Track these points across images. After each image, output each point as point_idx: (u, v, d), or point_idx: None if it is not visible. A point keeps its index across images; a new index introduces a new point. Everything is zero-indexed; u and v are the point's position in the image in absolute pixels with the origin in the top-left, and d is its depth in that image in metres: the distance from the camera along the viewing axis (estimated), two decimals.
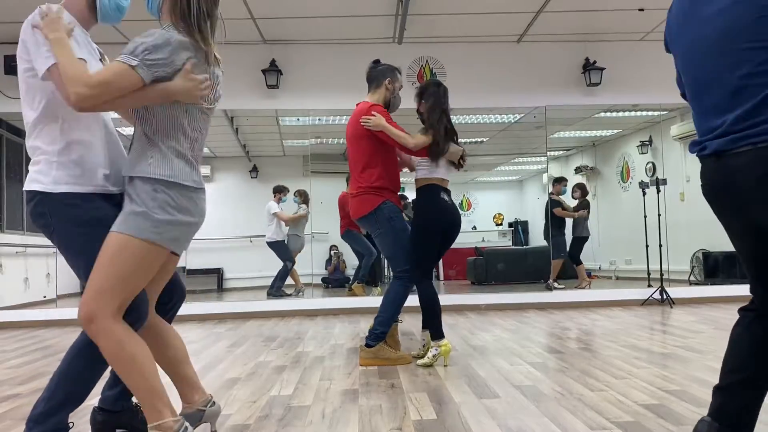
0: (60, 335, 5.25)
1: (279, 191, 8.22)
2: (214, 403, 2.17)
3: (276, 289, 7.67)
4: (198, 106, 1.94)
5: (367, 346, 3.54)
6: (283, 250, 7.87)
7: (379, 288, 7.76)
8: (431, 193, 3.60)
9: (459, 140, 3.72)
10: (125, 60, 1.77)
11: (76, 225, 1.90)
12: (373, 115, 3.56)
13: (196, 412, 2.13)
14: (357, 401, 2.65)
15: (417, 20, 6.24)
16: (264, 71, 6.65)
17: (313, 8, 5.99)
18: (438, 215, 3.57)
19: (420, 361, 3.51)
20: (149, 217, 1.84)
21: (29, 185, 1.91)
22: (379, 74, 3.78)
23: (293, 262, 7.87)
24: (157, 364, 1.93)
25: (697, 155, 1.71)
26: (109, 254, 1.83)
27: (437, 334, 3.54)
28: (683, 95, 1.84)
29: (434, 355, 3.48)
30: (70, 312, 6.14)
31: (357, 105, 3.77)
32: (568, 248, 7.95)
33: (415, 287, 3.65)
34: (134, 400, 2.17)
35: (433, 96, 3.70)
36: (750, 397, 1.64)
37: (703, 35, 1.64)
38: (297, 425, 2.32)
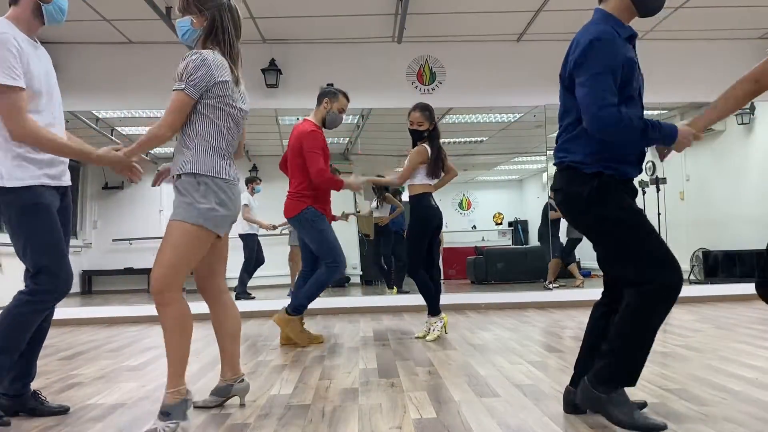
0: (59, 335, 5.24)
1: (251, 181, 7.97)
2: (243, 380, 2.59)
3: (242, 290, 7.45)
4: (232, 111, 2.39)
5: (287, 312, 4.17)
6: (252, 246, 7.70)
7: (394, 289, 7.72)
8: (425, 198, 4.36)
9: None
10: (176, 87, 2.23)
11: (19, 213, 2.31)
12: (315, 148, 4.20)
13: (225, 386, 2.57)
14: (357, 400, 2.65)
15: (416, 19, 6.24)
16: (263, 70, 6.65)
17: (312, 8, 5.99)
18: (432, 218, 4.37)
19: (429, 338, 4.29)
20: (195, 206, 2.24)
21: None
22: (322, 94, 4.38)
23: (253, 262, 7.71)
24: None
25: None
26: (172, 237, 2.24)
27: (435, 311, 4.36)
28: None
29: (441, 327, 4.33)
30: (69, 311, 6.14)
31: (299, 123, 4.38)
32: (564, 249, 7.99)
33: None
34: (32, 386, 2.51)
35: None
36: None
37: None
38: (297, 424, 2.31)
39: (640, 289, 2.04)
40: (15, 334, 2.31)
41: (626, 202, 2.15)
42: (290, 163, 4.30)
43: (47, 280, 2.33)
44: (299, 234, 4.43)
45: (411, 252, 4.38)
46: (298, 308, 4.20)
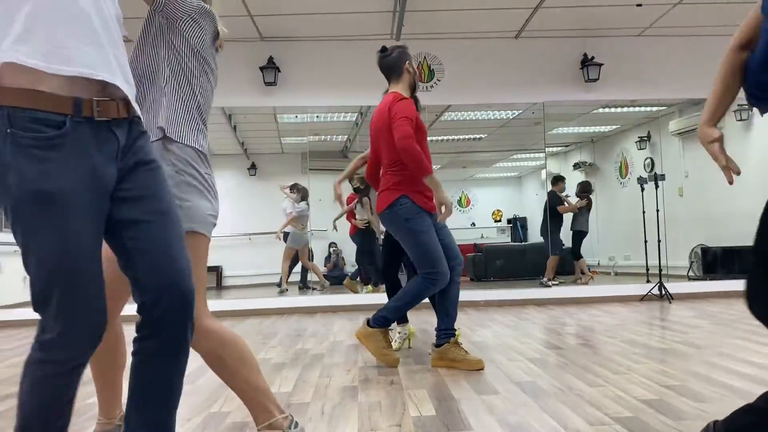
0: None
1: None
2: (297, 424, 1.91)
3: (302, 281, 8.18)
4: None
5: (368, 325, 3.37)
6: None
7: (369, 286, 7.73)
8: None
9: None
10: None
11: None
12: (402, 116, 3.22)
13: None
14: (356, 398, 2.66)
15: (415, 16, 6.23)
16: (262, 68, 6.63)
17: (310, 5, 5.98)
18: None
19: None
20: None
21: None
22: (396, 60, 3.45)
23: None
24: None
25: None
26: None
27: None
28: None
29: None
30: None
31: (384, 96, 3.48)
32: (569, 244, 7.98)
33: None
34: None
35: None
36: None
37: None
38: None
39: None
40: (35, 408, 1.36)
41: None
42: (381, 146, 3.44)
43: (51, 323, 1.28)
44: (391, 233, 3.53)
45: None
46: (378, 320, 3.34)
